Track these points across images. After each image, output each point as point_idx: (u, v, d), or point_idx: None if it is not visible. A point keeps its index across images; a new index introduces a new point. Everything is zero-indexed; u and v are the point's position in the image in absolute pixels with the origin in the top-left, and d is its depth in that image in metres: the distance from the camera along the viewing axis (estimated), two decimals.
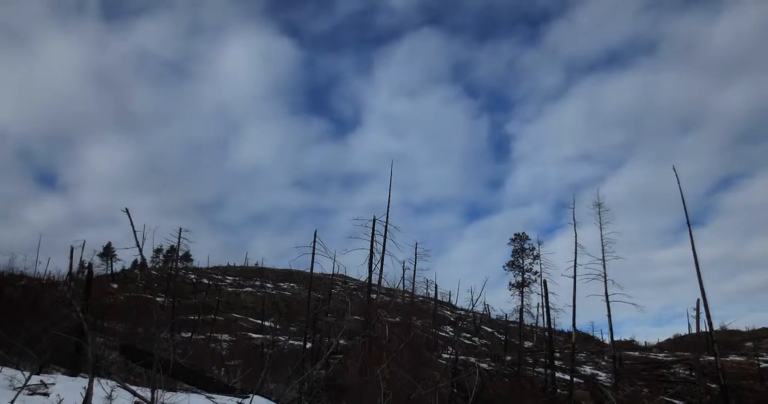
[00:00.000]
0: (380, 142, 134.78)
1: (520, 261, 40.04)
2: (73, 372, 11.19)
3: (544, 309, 27.97)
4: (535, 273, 38.51)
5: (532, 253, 39.44)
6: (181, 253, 54.82)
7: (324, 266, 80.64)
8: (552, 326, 30.31)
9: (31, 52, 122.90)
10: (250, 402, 8.46)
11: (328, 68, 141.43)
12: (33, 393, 7.57)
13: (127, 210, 5.43)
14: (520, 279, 39.39)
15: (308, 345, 26.47)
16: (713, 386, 25.56)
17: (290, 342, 30.79)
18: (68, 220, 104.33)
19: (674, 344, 45.80)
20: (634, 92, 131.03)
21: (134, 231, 5.51)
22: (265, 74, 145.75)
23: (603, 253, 26.67)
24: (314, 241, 24.78)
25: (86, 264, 39.64)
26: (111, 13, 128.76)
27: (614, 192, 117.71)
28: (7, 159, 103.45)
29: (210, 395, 10.08)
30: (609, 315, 26.65)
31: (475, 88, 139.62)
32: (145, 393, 6.56)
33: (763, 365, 30.59)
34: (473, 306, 43.79)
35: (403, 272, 31.94)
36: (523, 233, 40.99)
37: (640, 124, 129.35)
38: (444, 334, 42.14)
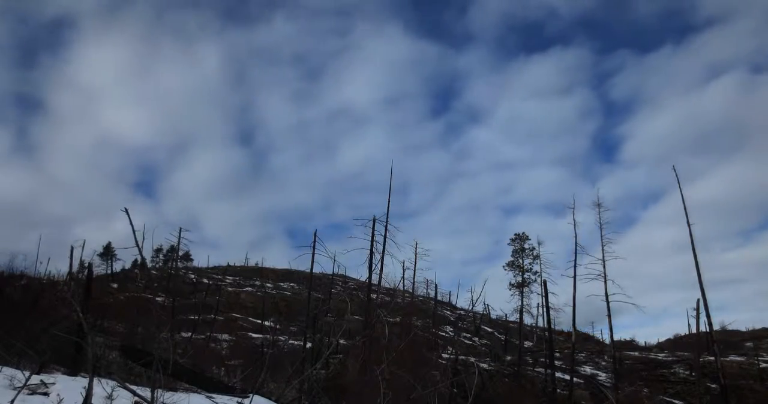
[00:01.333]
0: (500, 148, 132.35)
1: (520, 261, 40.03)
2: (73, 372, 11.18)
3: (544, 309, 28.00)
4: (535, 273, 38.54)
5: (532, 253, 39.46)
6: (181, 253, 54.92)
7: (324, 266, 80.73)
8: (552, 326, 30.33)
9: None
10: (250, 401, 8.47)
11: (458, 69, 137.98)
12: (33, 392, 7.57)
13: (126, 210, 5.44)
14: (520, 279, 39.40)
15: (308, 345, 26.47)
16: (713, 386, 25.56)
17: (290, 342, 30.81)
18: (157, 223, 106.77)
19: (674, 344, 45.78)
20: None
21: (134, 231, 5.50)
22: (393, 76, 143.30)
23: (603, 253, 26.68)
24: (314, 241, 24.80)
25: (86, 264, 39.68)
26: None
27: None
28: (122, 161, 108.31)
29: (210, 395, 10.08)
30: (609, 315, 26.67)
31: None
32: (145, 393, 6.56)
33: (763, 365, 30.57)
34: (473, 306, 43.81)
35: (403, 272, 31.97)
36: (523, 233, 40.99)
37: None
38: (444, 334, 42.14)
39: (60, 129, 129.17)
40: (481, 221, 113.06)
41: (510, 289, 39.92)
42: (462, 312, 55.91)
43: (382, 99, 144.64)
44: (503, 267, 41.02)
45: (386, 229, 23.03)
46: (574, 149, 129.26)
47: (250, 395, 9.03)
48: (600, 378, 32.04)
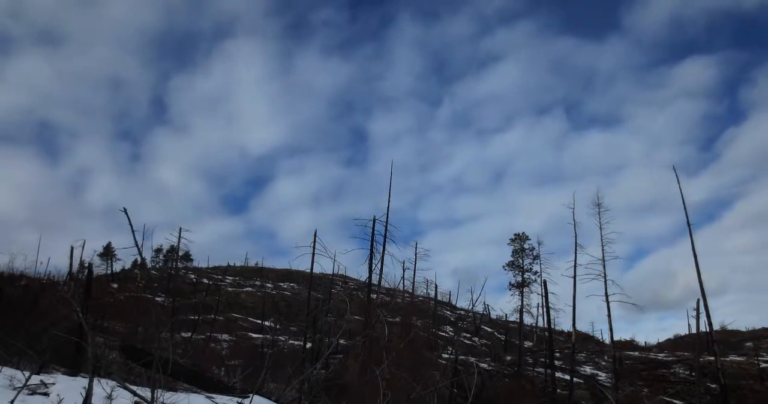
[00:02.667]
0: None
1: (520, 261, 40.06)
2: (73, 372, 11.18)
3: (544, 309, 28.00)
4: (535, 273, 38.56)
5: (532, 253, 39.48)
6: (181, 253, 54.92)
7: (324, 266, 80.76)
8: (552, 326, 30.33)
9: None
10: (250, 401, 8.47)
11: None
12: (33, 392, 7.57)
13: (125, 210, 5.42)
14: (520, 279, 39.42)
15: (308, 345, 26.48)
16: (713, 386, 25.56)
17: (290, 342, 30.82)
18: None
19: (674, 344, 45.78)
20: None
21: (133, 231, 5.49)
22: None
23: (603, 253, 26.66)
24: (314, 241, 24.81)
25: (86, 264, 39.65)
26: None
27: None
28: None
29: (210, 395, 10.08)
30: (609, 315, 26.66)
31: None
32: (145, 393, 6.56)
33: (763, 365, 30.57)
34: (473, 306, 43.83)
35: (404, 272, 31.96)
36: (523, 233, 41.03)
37: None
38: (444, 334, 42.15)
39: (175, 136, 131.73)
40: None
41: (510, 289, 39.98)
42: (462, 312, 55.92)
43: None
44: (503, 267, 41.07)
45: (386, 229, 23.04)
46: None
47: (250, 395, 9.03)
48: (600, 378, 32.04)
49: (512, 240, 41.22)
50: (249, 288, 54.05)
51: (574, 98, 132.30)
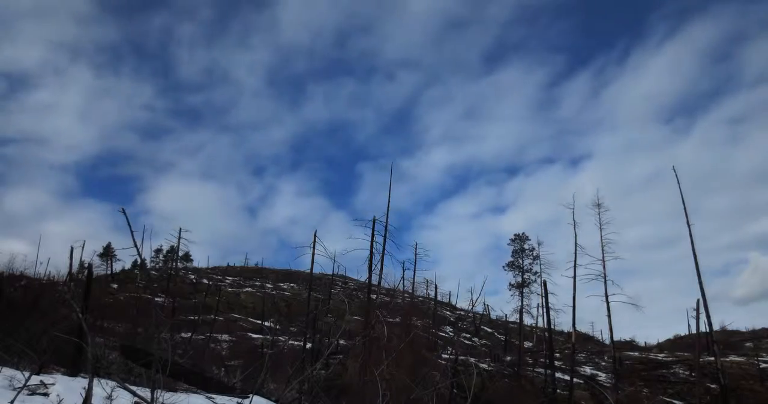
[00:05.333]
0: None
1: (520, 261, 40.07)
2: (73, 372, 11.17)
3: (544, 310, 27.97)
4: (535, 273, 38.57)
5: (532, 253, 39.50)
6: (180, 253, 54.88)
7: (324, 266, 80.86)
8: (552, 326, 30.31)
9: None
10: (250, 402, 8.46)
11: None
12: (33, 393, 7.57)
13: (123, 210, 5.41)
14: (520, 279, 39.42)
15: (308, 345, 26.49)
16: (713, 386, 25.56)
17: (290, 342, 30.82)
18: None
19: (674, 344, 45.79)
20: None
21: (131, 232, 5.47)
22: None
23: (603, 253, 26.69)
24: (314, 241, 24.82)
25: (86, 265, 39.66)
26: None
27: None
28: None
29: (210, 395, 10.08)
30: (609, 315, 26.66)
31: None
32: (145, 393, 6.55)
33: (763, 365, 30.56)
34: (473, 306, 43.84)
35: (404, 272, 31.92)
36: (523, 233, 41.06)
37: None
38: (444, 334, 42.14)
39: None
40: None
41: (510, 289, 40.00)
42: (462, 313, 55.93)
43: None
44: (503, 267, 41.08)
45: (386, 229, 23.01)
46: None
47: (250, 395, 9.02)
48: (600, 378, 32.03)
49: (512, 240, 41.25)
50: (249, 289, 54.04)
51: None
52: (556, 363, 29.03)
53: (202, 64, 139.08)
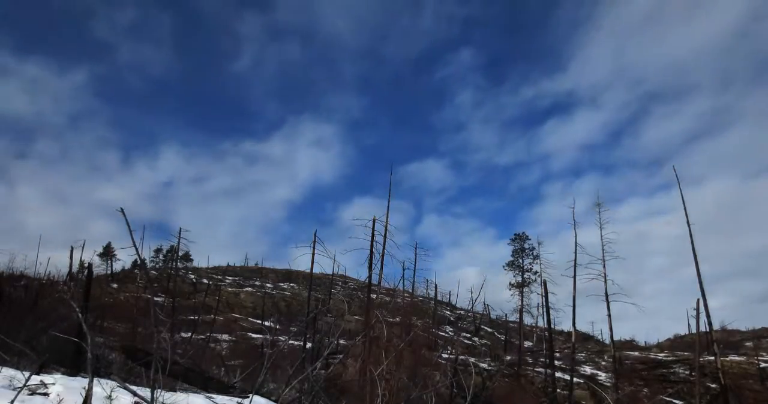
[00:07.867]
0: None
1: (520, 261, 40.09)
2: (73, 372, 11.18)
3: (544, 309, 27.98)
4: (535, 273, 38.59)
5: (532, 253, 39.51)
6: (181, 253, 54.86)
7: (324, 266, 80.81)
8: (552, 326, 30.32)
9: None
10: (250, 402, 8.47)
11: None
12: (33, 393, 7.57)
13: (122, 210, 5.40)
14: (520, 279, 39.44)
15: (308, 345, 26.49)
16: (713, 386, 25.56)
17: (290, 342, 30.81)
18: None
19: (674, 344, 45.82)
20: None
21: (130, 231, 5.46)
22: None
23: (603, 253, 26.66)
24: (314, 241, 24.82)
25: (86, 265, 39.65)
26: None
27: None
28: None
29: (210, 395, 10.07)
30: (609, 315, 26.64)
31: None
32: (145, 393, 6.56)
33: (763, 365, 30.58)
34: (473, 306, 43.82)
35: (403, 272, 31.88)
36: (523, 233, 41.07)
37: None
38: (444, 334, 42.14)
39: None
40: None
41: (510, 289, 40.02)
42: (462, 312, 55.94)
43: None
44: (503, 267, 41.10)
45: (386, 229, 23.01)
46: None
47: (250, 395, 9.03)
48: (600, 378, 32.04)
49: (512, 240, 41.28)
50: (249, 289, 54.06)
51: None
52: (556, 362, 29.03)
53: None
